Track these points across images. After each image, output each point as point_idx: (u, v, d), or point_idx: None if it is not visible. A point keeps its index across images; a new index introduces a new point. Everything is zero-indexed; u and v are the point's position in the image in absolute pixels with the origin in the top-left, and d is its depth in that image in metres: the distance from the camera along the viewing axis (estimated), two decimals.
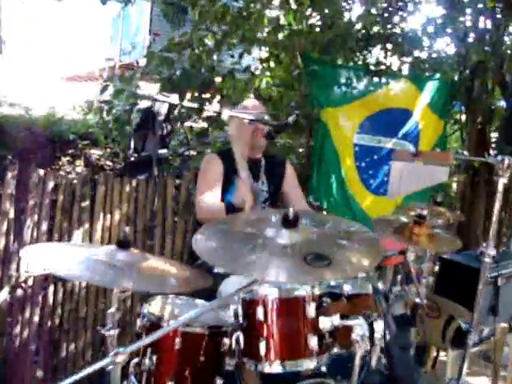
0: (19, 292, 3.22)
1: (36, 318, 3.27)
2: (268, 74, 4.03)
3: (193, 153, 3.58)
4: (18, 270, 3.19)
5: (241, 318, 1.79)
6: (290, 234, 1.33)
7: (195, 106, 2.11)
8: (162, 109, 1.85)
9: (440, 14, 4.09)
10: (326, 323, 1.74)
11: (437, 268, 2.44)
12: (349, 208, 3.95)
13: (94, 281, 1.57)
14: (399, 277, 2.12)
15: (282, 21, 3.98)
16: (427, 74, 4.16)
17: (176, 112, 3.92)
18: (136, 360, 1.95)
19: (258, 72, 4.00)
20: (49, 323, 3.31)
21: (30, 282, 3.24)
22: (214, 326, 1.94)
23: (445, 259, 3.66)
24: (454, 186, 5.38)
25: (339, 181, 3.92)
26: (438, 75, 4.12)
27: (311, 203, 3.94)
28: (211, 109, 2.07)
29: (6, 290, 3.16)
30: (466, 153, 4.57)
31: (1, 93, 7.01)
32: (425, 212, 1.77)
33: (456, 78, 4.17)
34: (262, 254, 1.31)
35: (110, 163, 5.42)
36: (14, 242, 3.19)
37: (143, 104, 2.93)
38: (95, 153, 5.80)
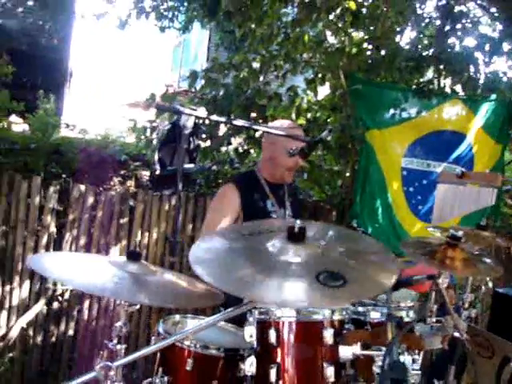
0: (55, 305, 3.26)
1: (71, 332, 3.29)
2: (309, 93, 3.95)
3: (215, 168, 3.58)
4: (55, 283, 3.24)
5: (255, 341, 1.67)
6: (296, 249, 1.21)
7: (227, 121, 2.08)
8: (189, 122, 1.81)
9: (497, 32, 3.87)
10: (345, 352, 1.59)
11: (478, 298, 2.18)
12: (395, 235, 3.73)
13: (105, 294, 1.51)
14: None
15: (330, 40, 3.92)
16: (482, 94, 3.91)
17: (222, 133, 3.93)
18: (148, 380, 1.88)
19: (301, 92, 3.94)
20: (83, 337, 3.31)
21: (67, 296, 3.28)
22: (230, 348, 1.83)
23: (499, 293, 3.36)
24: None
25: (385, 206, 3.72)
26: (493, 96, 3.87)
27: (355, 228, 3.78)
28: (239, 123, 2.02)
29: (43, 302, 3.21)
30: None
31: (64, 118, 7.41)
32: (460, 233, 1.59)
33: None
34: (270, 275, 1.19)
35: None
36: None
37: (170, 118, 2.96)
38: (146, 174, 5.94)
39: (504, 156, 4.10)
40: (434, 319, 1.92)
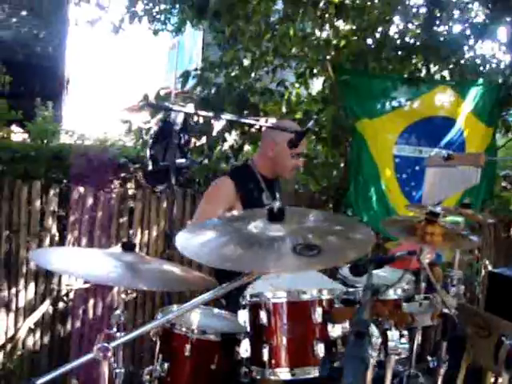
0: (61, 305, 3.34)
1: (77, 331, 3.37)
2: (297, 86, 4.02)
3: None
4: (59, 283, 3.32)
5: (248, 325, 1.74)
6: (276, 227, 1.29)
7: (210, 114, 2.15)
8: (178, 118, 1.90)
9: (483, 16, 3.92)
10: (335, 330, 1.66)
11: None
12: None
13: (103, 281, 1.60)
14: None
15: (318, 34, 3.97)
16: (470, 79, 3.96)
17: (217, 130, 4.00)
18: (150, 367, 1.95)
19: (292, 85, 4.01)
20: (89, 336, 3.39)
21: (71, 296, 3.36)
22: (227, 333, 1.90)
23: (495, 273, 3.42)
24: None
25: (379, 193, 3.79)
26: (481, 80, 3.92)
27: (349, 216, 3.84)
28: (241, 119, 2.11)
29: (48, 302, 3.29)
30: None
31: (64, 124, 7.51)
32: (438, 209, 1.65)
33: (500, 81, 3.94)
34: (251, 249, 1.27)
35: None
36: None
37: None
38: None
39: (496, 139, 4.15)
40: (422, 296, 2.00)
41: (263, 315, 1.66)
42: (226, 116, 2.15)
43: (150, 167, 2.35)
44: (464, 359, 3.01)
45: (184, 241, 1.29)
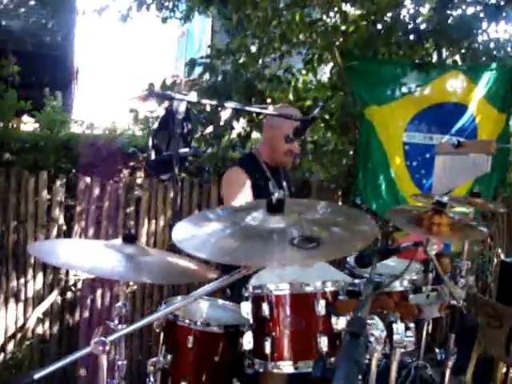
0: (69, 295, 3.36)
1: (86, 320, 3.38)
2: (304, 72, 3.95)
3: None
4: (67, 273, 3.33)
5: (251, 317, 1.72)
6: (276, 219, 1.25)
7: (213, 102, 2.10)
8: (181, 107, 1.86)
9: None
10: (339, 322, 1.63)
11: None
12: None
13: (108, 275, 1.59)
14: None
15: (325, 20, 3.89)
16: (483, 63, 3.86)
17: (225, 117, 3.95)
18: (154, 359, 1.94)
19: (300, 72, 3.95)
20: (97, 325, 3.40)
21: (79, 286, 3.37)
22: (230, 325, 1.88)
23: (506, 263, 3.35)
24: None
25: (388, 181, 3.73)
26: (494, 65, 3.81)
27: (357, 205, 3.80)
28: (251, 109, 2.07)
29: (56, 292, 3.31)
30: None
31: (74, 114, 7.52)
32: (445, 199, 1.60)
33: None
34: (249, 242, 1.24)
35: None
36: None
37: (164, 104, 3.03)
38: None
39: (509, 125, 4.05)
40: (429, 288, 1.95)
41: (265, 307, 1.64)
42: (230, 104, 2.11)
43: (153, 156, 2.33)
44: (475, 349, 2.97)
45: (181, 234, 1.26)
